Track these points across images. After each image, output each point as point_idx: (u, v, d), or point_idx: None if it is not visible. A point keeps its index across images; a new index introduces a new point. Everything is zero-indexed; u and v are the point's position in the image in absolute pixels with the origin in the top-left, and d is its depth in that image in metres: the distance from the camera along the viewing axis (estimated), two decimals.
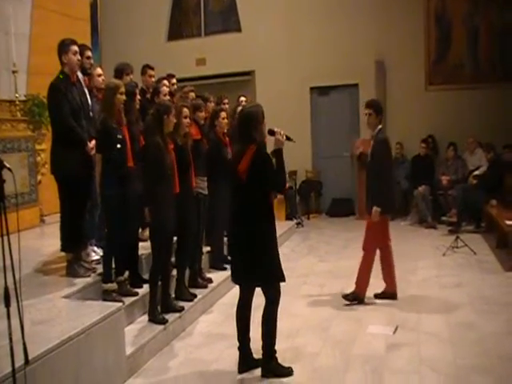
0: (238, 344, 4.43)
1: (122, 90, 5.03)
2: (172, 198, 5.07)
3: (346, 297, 6.07)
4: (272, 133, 4.31)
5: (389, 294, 6.14)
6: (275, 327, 4.30)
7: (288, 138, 4.35)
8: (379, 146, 5.96)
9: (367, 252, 6.05)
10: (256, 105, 4.45)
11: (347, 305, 5.99)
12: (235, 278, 4.38)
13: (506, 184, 9.12)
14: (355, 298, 6.04)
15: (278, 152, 4.24)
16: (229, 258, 6.85)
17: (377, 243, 6.03)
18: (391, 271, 6.14)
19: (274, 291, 4.28)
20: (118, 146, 4.92)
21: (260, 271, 4.19)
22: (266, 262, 4.19)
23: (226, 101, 7.85)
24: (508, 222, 7.50)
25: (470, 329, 5.17)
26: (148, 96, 6.64)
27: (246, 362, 4.42)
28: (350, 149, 11.54)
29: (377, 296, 6.16)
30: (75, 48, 5.24)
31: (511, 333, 5.01)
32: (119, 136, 4.95)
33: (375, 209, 5.82)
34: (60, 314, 4.16)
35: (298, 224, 10.77)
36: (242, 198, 4.25)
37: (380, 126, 6.03)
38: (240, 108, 7.40)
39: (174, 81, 7.58)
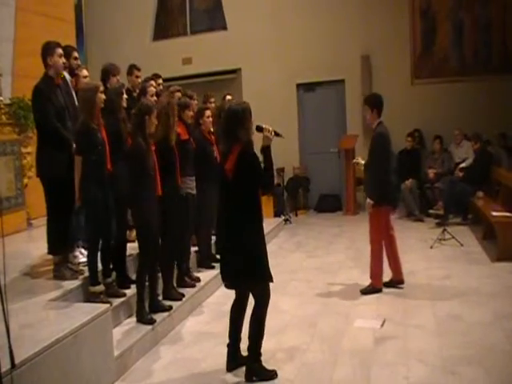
0: (227, 341, 4.43)
1: (102, 89, 5.03)
2: (155, 198, 5.06)
3: (364, 291, 6.16)
4: (260, 129, 4.25)
5: (396, 281, 6.29)
6: (263, 329, 4.27)
7: (277, 134, 4.30)
8: (376, 139, 6.07)
9: (373, 244, 6.18)
10: (242, 102, 4.39)
11: (363, 293, 6.13)
12: (225, 282, 4.34)
13: (491, 176, 9.19)
14: (373, 290, 6.14)
15: (267, 149, 4.20)
16: (217, 256, 6.94)
17: (381, 234, 6.14)
18: (396, 260, 6.27)
19: (262, 293, 4.25)
20: (99, 147, 4.90)
21: (247, 273, 4.15)
22: (254, 263, 4.15)
23: (212, 100, 7.84)
24: (494, 214, 7.59)
25: (457, 320, 5.22)
26: (135, 95, 6.61)
27: (234, 359, 4.42)
28: (337, 145, 11.59)
29: (386, 284, 6.27)
30: (60, 51, 5.26)
31: (497, 323, 5.05)
32: (99, 137, 4.92)
33: (368, 201, 5.99)
34: (47, 316, 4.16)
35: (285, 220, 10.79)
36: (229, 197, 4.22)
37: (379, 120, 6.10)
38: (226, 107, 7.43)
39: (160, 81, 7.56)
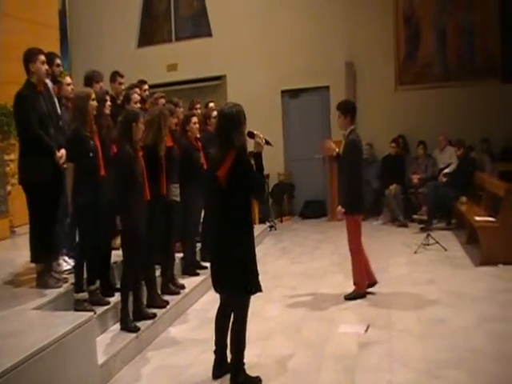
0: (213, 348, 4.40)
1: (94, 96, 5.03)
2: (143, 205, 5.06)
3: (348, 297, 6.17)
4: (252, 135, 4.15)
5: (370, 283, 6.31)
6: (244, 338, 4.24)
7: (267, 142, 4.20)
8: (348, 146, 6.07)
9: (353, 251, 6.19)
10: (236, 104, 4.18)
11: (348, 299, 6.14)
12: (214, 286, 4.30)
13: (475, 181, 9.27)
14: (357, 296, 6.16)
15: (258, 156, 4.12)
16: (202, 263, 6.95)
17: (358, 240, 6.18)
18: (366, 264, 6.30)
19: (244, 303, 4.20)
20: (91, 154, 4.90)
21: (237, 282, 4.12)
22: (245, 273, 4.11)
23: (198, 106, 7.82)
24: (477, 218, 7.64)
25: (441, 324, 5.25)
26: (119, 102, 6.59)
27: (221, 366, 4.39)
28: (321, 151, 11.61)
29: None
30: (43, 57, 5.23)
31: (480, 327, 5.09)
32: (92, 144, 4.94)
33: (339, 208, 6.04)
34: (31, 325, 4.14)
35: (270, 227, 10.81)
36: (221, 205, 4.12)
37: (352, 127, 6.13)
38: (215, 113, 7.43)
39: (146, 87, 7.52)
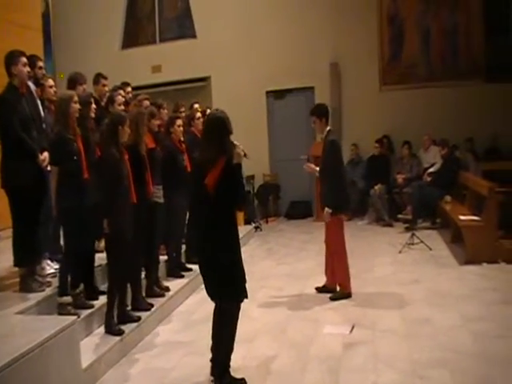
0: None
1: (76, 99, 5.00)
2: (129, 208, 5.05)
3: (333, 297, 6.19)
4: (233, 146, 4.11)
5: (330, 288, 6.36)
6: (233, 343, 4.26)
7: (244, 155, 4.15)
8: (328, 147, 6.11)
9: (336, 251, 6.22)
10: (222, 111, 4.17)
11: (333, 299, 6.17)
12: (208, 294, 4.28)
13: (459, 180, 9.32)
14: (342, 296, 6.19)
15: (238, 166, 4.10)
16: (186, 265, 6.94)
17: (342, 240, 6.21)
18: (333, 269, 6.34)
19: (234, 308, 4.23)
20: (75, 157, 4.88)
21: (221, 287, 4.13)
22: (229, 279, 4.11)
23: (182, 109, 7.82)
24: (461, 218, 7.70)
25: (425, 323, 5.27)
26: (102, 104, 6.57)
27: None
28: (306, 152, 11.65)
29: (318, 289, 6.42)
30: (24, 60, 5.19)
31: (465, 326, 5.12)
32: (75, 147, 4.91)
33: (326, 209, 6.04)
34: (13, 330, 4.09)
35: (256, 228, 10.81)
36: (207, 213, 4.11)
37: (328, 128, 6.19)
38: (198, 114, 7.43)
39: (129, 89, 7.49)
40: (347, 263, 6.26)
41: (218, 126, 4.07)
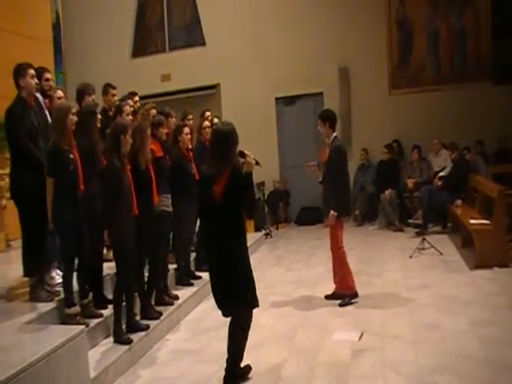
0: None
1: (74, 111, 5.00)
2: (131, 218, 5.07)
3: (342, 304, 6.19)
4: (243, 155, 4.21)
5: (339, 295, 6.34)
6: (241, 351, 4.31)
7: (256, 163, 4.24)
8: (334, 152, 6.19)
9: (338, 255, 6.26)
10: (229, 123, 4.31)
11: (342, 305, 6.17)
12: (218, 307, 4.34)
13: (469, 184, 9.27)
14: (350, 300, 6.21)
15: (249, 175, 4.17)
16: (196, 273, 6.96)
17: (341, 243, 6.26)
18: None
19: (246, 317, 4.29)
20: (71, 168, 4.86)
21: (232, 297, 4.20)
22: (239, 288, 4.18)
23: (190, 117, 7.82)
24: (472, 221, 7.64)
25: (433, 329, 5.25)
26: (111, 114, 6.60)
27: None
28: (317, 157, 11.63)
29: (327, 297, 6.43)
30: (32, 72, 5.25)
31: (473, 331, 5.09)
32: (70, 158, 4.88)
33: (332, 213, 6.09)
34: (20, 340, 4.13)
35: (266, 235, 10.81)
36: (215, 222, 4.19)
37: (335, 134, 6.25)
38: (206, 123, 7.45)
39: (137, 98, 7.53)
40: (348, 265, 6.28)
41: (221, 141, 4.20)
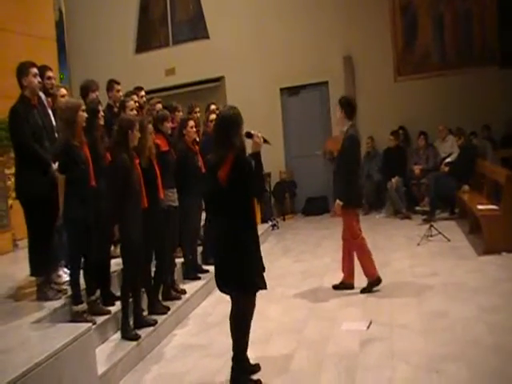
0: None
1: (83, 107, 5.01)
2: (140, 213, 5.07)
3: (363, 291, 6.19)
4: (250, 135, 4.20)
5: (347, 284, 6.35)
6: (244, 337, 4.28)
7: (265, 141, 4.25)
8: (346, 141, 6.14)
9: (356, 243, 6.22)
10: (232, 107, 4.27)
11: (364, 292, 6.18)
12: (217, 285, 4.32)
13: (477, 169, 9.21)
14: (371, 286, 6.19)
15: (256, 155, 4.16)
16: (203, 267, 6.97)
17: (358, 231, 6.22)
18: (351, 265, 6.35)
19: (244, 302, 4.25)
20: (82, 165, 4.88)
21: (235, 279, 4.16)
22: (243, 270, 4.13)
23: (197, 109, 7.82)
24: (480, 207, 7.60)
25: (442, 317, 5.22)
26: (115, 110, 6.59)
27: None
28: (322, 147, 11.62)
29: (335, 287, 6.40)
30: (35, 70, 5.24)
31: (481, 317, 5.06)
32: (82, 155, 4.92)
33: (337, 202, 6.10)
34: (28, 339, 4.14)
35: (273, 226, 10.80)
36: (222, 206, 4.17)
37: (350, 123, 6.18)
38: (213, 116, 7.44)
39: (143, 93, 7.53)
40: (369, 252, 6.23)
41: (224, 123, 4.17)
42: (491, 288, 5.84)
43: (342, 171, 6.23)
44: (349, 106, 6.18)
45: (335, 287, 6.42)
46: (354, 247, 6.24)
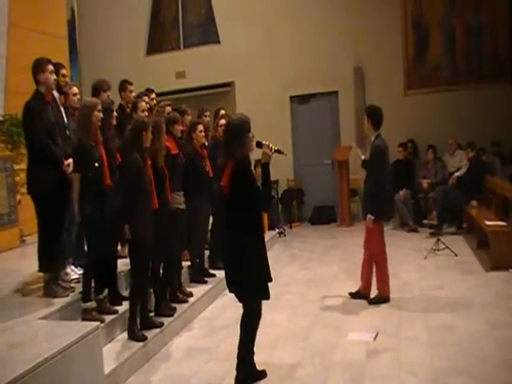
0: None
1: (100, 107, 5.02)
2: (151, 214, 5.07)
3: (371, 301, 6.17)
4: (259, 145, 4.17)
5: (362, 294, 6.30)
6: (250, 340, 4.28)
7: (279, 151, 4.21)
8: (373, 152, 6.07)
9: (378, 255, 6.19)
10: (240, 116, 4.28)
11: (371, 303, 6.16)
12: (227, 287, 4.35)
13: (485, 185, 9.19)
14: (381, 300, 6.15)
15: (265, 166, 4.13)
16: (210, 271, 6.95)
17: (382, 244, 6.20)
18: (369, 275, 6.31)
19: (250, 307, 4.26)
20: (96, 164, 4.89)
21: (237, 286, 4.21)
22: (245, 279, 4.14)
23: (207, 113, 7.83)
24: (488, 223, 7.58)
25: (449, 331, 5.21)
26: (128, 111, 6.59)
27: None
28: (330, 156, 11.60)
29: (352, 295, 6.37)
30: (51, 67, 5.25)
31: (488, 332, 5.05)
32: (97, 154, 4.93)
33: (369, 216, 6.01)
34: (36, 335, 4.12)
35: (280, 234, 10.76)
36: (226, 213, 4.20)
37: (377, 133, 6.11)
38: (223, 121, 7.43)
39: (154, 96, 7.53)
40: (387, 268, 6.22)
41: (229, 131, 4.20)
42: (499, 303, 5.82)
43: (368, 183, 6.16)
44: (375, 116, 6.09)
45: (352, 295, 6.39)
46: (375, 258, 6.22)
